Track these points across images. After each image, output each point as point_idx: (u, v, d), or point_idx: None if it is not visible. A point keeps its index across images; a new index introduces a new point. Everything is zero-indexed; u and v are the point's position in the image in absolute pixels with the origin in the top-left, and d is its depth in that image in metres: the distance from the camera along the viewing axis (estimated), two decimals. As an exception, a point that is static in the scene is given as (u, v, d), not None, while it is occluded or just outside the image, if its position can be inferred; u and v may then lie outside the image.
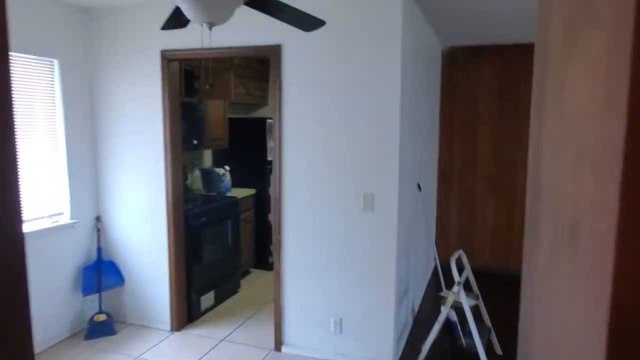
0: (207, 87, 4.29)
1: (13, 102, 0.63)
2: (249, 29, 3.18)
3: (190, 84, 4.44)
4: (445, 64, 5.17)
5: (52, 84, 3.45)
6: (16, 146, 0.62)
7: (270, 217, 5.07)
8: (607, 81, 0.55)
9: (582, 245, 0.58)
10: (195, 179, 4.94)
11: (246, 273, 5.04)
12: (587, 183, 0.58)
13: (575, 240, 0.61)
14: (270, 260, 5.11)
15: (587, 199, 0.58)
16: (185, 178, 4.55)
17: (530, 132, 1.09)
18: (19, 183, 0.62)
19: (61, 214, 3.56)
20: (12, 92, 0.63)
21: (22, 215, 0.64)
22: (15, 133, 0.63)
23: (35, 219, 3.35)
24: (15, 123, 0.63)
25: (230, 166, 4.98)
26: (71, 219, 3.60)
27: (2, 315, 0.62)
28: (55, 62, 3.44)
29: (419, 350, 3.21)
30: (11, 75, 0.63)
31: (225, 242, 4.44)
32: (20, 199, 0.62)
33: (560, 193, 0.71)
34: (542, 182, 0.88)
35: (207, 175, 4.86)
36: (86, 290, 3.67)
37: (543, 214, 0.84)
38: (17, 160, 0.62)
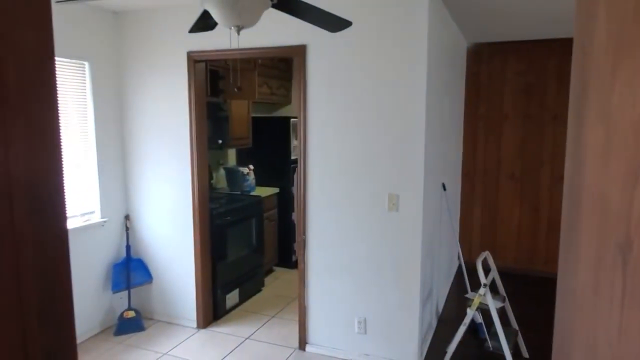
0: (236, 90, 4.33)
1: (58, 106, 0.66)
2: (274, 30, 3.20)
3: (215, 83, 4.49)
4: (470, 60, 5.10)
5: (83, 86, 3.53)
6: (61, 147, 0.65)
7: (294, 215, 5.10)
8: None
9: (635, 266, 0.57)
10: (220, 178, 5.01)
11: (270, 271, 5.09)
12: (640, 201, 0.57)
13: (626, 260, 0.60)
14: (293, 258, 5.15)
15: (641, 217, 0.56)
16: (210, 177, 4.61)
17: (568, 138, 1.06)
18: (64, 181, 0.65)
19: (92, 212, 3.66)
20: (57, 96, 0.66)
21: (66, 212, 0.67)
22: (61, 134, 0.65)
23: (68, 217, 3.44)
24: (60, 125, 0.66)
25: (254, 165, 5.02)
26: (101, 217, 3.69)
27: (50, 307, 0.64)
28: (86, 64, 3.53)
29: (444, 352, 3.18)
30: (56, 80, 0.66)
31: (250, 240, 4.49)
32: (65, 197, 0.65)
33: (607, 207, 0.69)
34: (582, 192, 0.86)
35: (231, 174, 4.91)
36: (116, 288, 3.77)
37: (583, 227, 0.82)
38: (62, 160, 0.65)
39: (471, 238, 5.29)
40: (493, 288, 3.27)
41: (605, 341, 0.65)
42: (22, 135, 0.59)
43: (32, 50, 0.62)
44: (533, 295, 4.43)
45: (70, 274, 0.69)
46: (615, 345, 0.62)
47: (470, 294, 3.31)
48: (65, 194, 0.65)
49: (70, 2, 2.06)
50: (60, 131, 0.66)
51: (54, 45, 0.66)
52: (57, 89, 0.66)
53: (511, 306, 3.38)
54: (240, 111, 4.77)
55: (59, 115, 0.66)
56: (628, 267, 0.60)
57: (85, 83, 3.54)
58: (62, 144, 0.66)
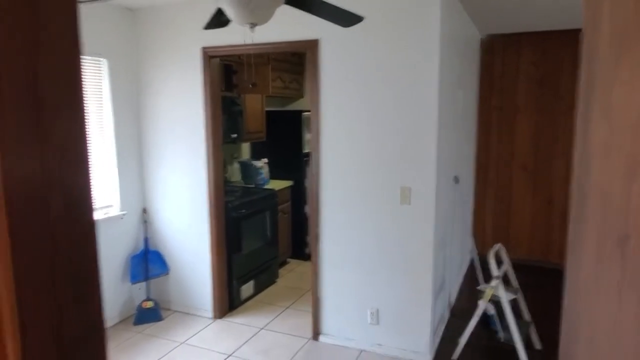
0: (251, 86, 4.37)
1: (85, 102, 0.70)
2: (287, 25, 3.22)
3: (229, 78, 4.54)
4: (483, 53, 5.06)
5: (101, 82, 3.62)
6: (89, 146, 0.69)
7: (307, 208, 5.15)
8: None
9: (631, 258, 0.60)
10: (234, 172, 5.08)
11: (284, 263, 5.16)
12: (638, 196, 0.59)
13: (623, 253, 0.62)
14: (307, 250, 5.21)
15: (638, 212, 0.59)
16: (225, 171, 4.68)
17: (577, 133, 1.08)
18: (91, 174, 0.70)
19: (111, 206, 3.75)
20: (84, 93, 0.71)
21: (93, 203, 0.72)
22: (87, 129, 0.70)
23: (87, 210, 3.54)
24: (86, 120, 0.71)
25: (267, 158, 5.07)
26: (120, 210, 3.79)
27: (80, 291, 0.69)
28: (104, 61, 3.60)
29: (456, 344, 3.22)
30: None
31: (264, 233, 4.55)
32: (92, 188, 0.70)
33: (608, 201, 0.72)
34: (589, 187, 0.88)
35: (245, 167, 4.97)
36: (134, 279, 3.87)
37: (589, 221, 0.85)
38: (89, 157, 0.69)
39: (484, 230, 5.28)
40: (506, 280, 3.29)
41: (603, 330, 0.69)
42: (56, 136, 0.64)
43: (64, 56, 0.67)
44: (547, 287, 4.42)
45: (99, 261, 0.75)
46: (612, 333, 0.66)
47: (482, 286, 3.33)
48: (92, 189, 0.71)
49: (88, 3, 2.12)
50: (88, 130, 0.70)
51: (81, 49, 0.71)
52: (84, 91, 0.71)
53: (525, 298, 3.39)
54: (254, 105, 4.82)
55: (86, 115, 0.71)
56: (625, 259, 0.63)
57: (102, 80, 3.62)
58: (89, 142, 0.71)
